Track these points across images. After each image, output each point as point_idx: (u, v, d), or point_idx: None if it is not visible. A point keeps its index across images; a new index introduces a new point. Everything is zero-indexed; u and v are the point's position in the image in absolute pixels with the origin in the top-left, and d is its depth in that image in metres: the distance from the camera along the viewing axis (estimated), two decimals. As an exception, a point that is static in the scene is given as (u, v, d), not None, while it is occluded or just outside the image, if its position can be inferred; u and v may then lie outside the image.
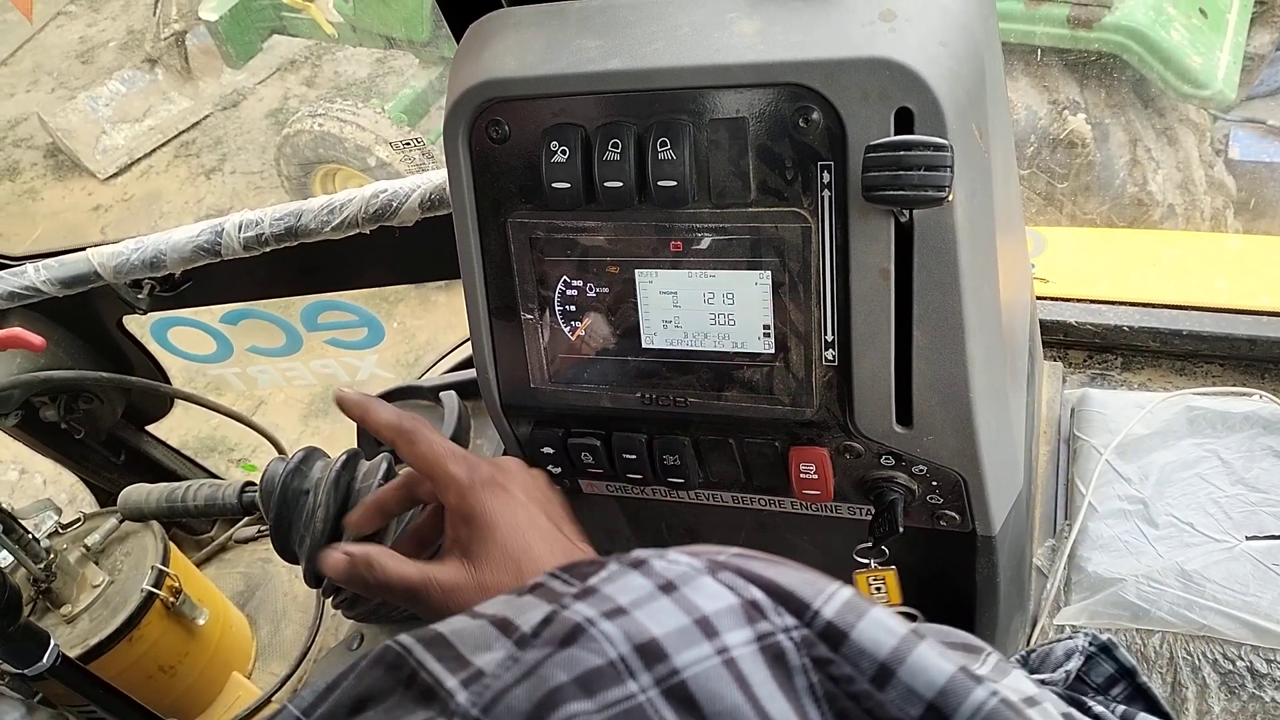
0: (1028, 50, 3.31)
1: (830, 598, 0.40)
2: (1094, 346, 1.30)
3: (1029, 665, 0.70)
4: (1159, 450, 1.12)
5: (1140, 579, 1.03)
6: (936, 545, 0.92)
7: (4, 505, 1.49)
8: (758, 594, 0.39)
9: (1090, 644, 0.67)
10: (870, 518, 0.88)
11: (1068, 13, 3.19)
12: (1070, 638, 0.69)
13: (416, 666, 0.39)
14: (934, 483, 0.86)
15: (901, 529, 0.85)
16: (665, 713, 0.35)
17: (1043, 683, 0.72)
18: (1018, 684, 0.49)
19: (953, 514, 0.88)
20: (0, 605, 1.04)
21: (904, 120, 0.70)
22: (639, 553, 0.42)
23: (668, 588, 0.39)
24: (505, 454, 1.38)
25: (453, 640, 0.40)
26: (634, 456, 0.91)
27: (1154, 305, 1.26)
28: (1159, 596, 1.07)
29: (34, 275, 1.25)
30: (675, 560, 0.41)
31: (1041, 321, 1.27)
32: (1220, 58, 3.24)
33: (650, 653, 0.37)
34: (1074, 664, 0.67)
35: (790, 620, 0.39)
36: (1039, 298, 1.29)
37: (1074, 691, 0.65)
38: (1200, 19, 3.30)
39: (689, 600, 0.39)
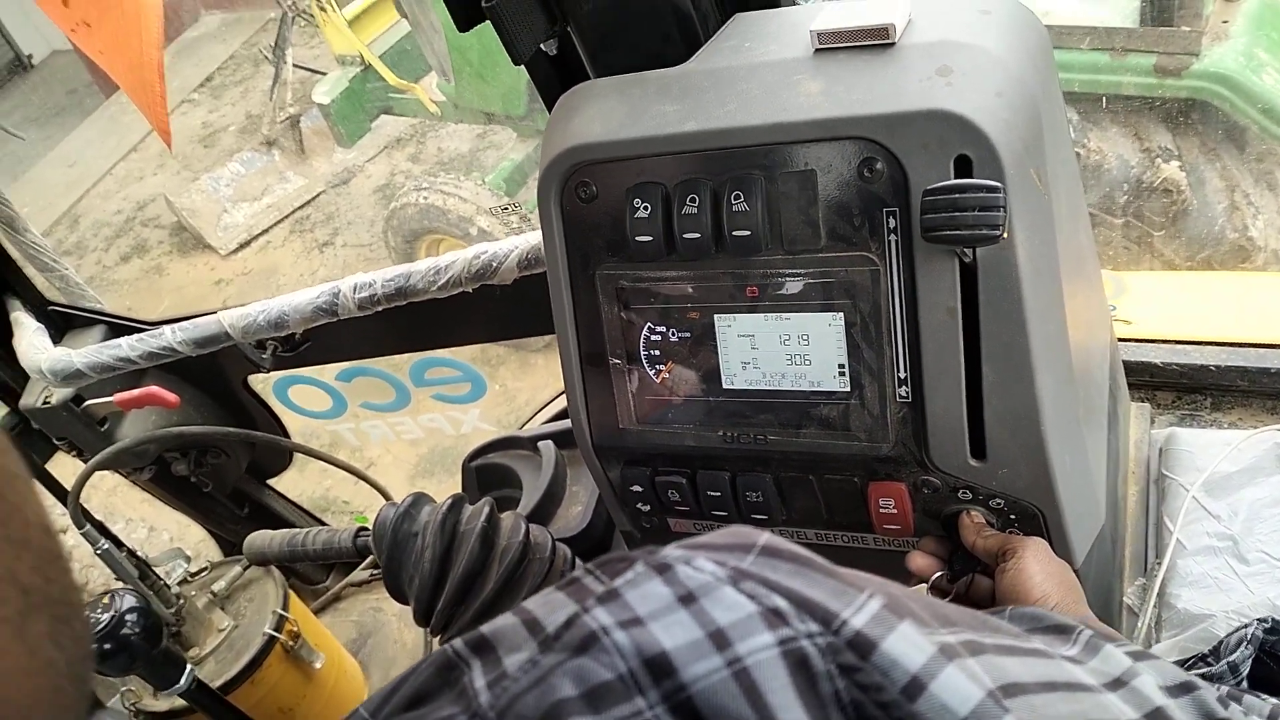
0: (1115, 99, 3.29)
1: (860, 609, 0.39)
2: (1182, 387, 1.30)
3: (1205, 661, 0.68)
4: (1248, 487, 1.11)
5: (1231, 615, 1.02)
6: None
7: (139, 554, 1.61)
8: (780, 602, 0.39)
9: (1260, 629, 0.65)
10: (950, 551, 0.91)
11: (1154, 61, 3.17)
12: (1244, 626, 0.68)
13: (463, 667, 0.40)
14: (1012, 516, 0.88)
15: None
16: None
17: (1209, 678, 0.72)
18: (1106, 664, 0.49)
19: (1032, 547, 0.90)
20: (145, 629, 1.14)
21: (963, 166, 0.75)
22: (667, 553, 0.42)
23: (687, 599, 0.39)
24: (599, 495, 1.43)
25: (492, 640, 0.41)
26: (718, 494, 0.96)
27: (1241, 344, 1.25)
28: (1252, 633, 1.05)
29: (170, 336, 1.37)
30: (700, 568, 0.40)
31: (1126, 363, 1.28)
32: (1317, 101, 3.17)
33: (659, 667, 0.37)
34: (1239, 654, 0.65)
35: (815, 626, 0.38)
36: (1122, 339, 1.30)
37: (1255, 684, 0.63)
38: (1295, 62, 3.24)
39: (706, 613, 0.38)
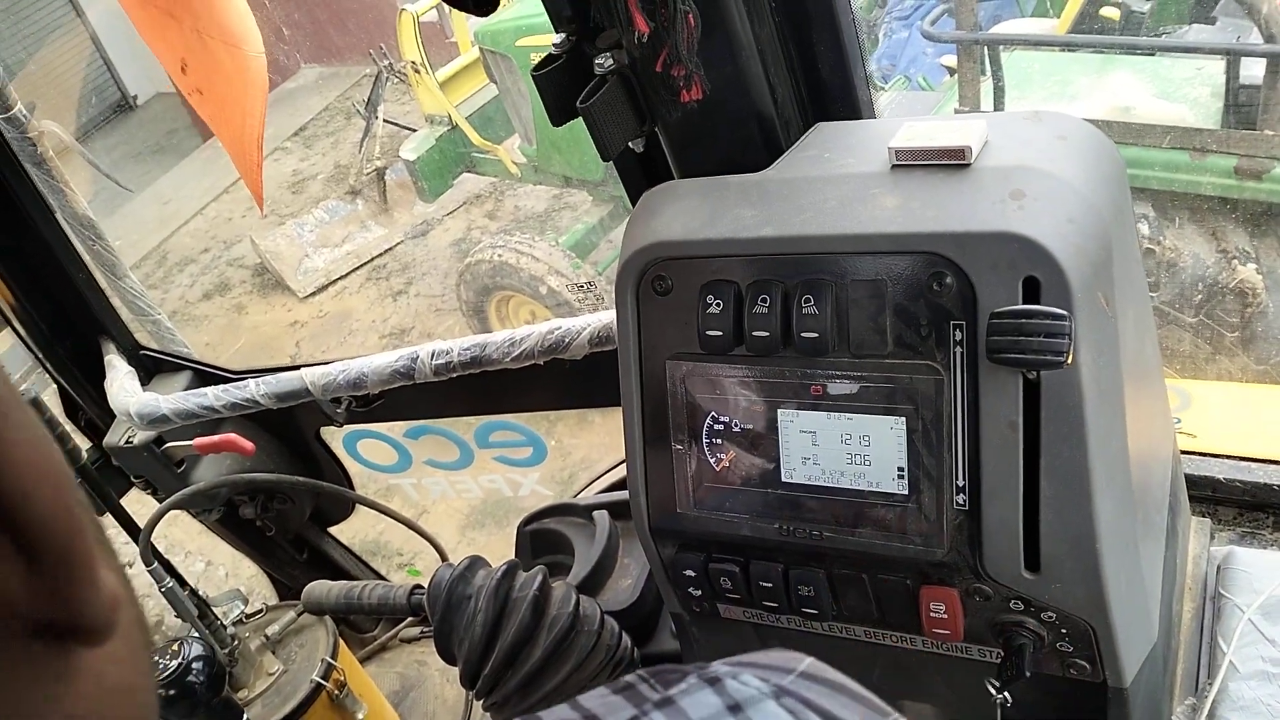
0: (1193, 198, 3.27)
1: None
2: (1244, 504, 1.28)
3: None
4: (1307, 615, 1.09)
5: (1285, 747, 1.00)
6: (1068, 694, 0.93)
7: (200, 593, 1.66)
8: (815, 719, 0.44)
9: None
10: (999, 660, 0.91)
11: (1235, 163, 3.15)
12: None
13: None
14: (1063, 630, 0.88)
15: (1029, 674, 0.87)
16: None
17: None
18: None
19: (1083, 663, 0.90)
20: (209, 678, 1.18)
21: (1031, 288, 0.76)
22: (716, 668, 0.47)
23: (735, 709, 0.44)
24: (650, 570, 1.44)
25: None
26: (770, 585, 0.97)
27: (1308, 466, 1.24)
28: (1306, 768, 1.02)
29: (254, 389, 1.43)
30: (746, 682, 0.45)
31: (1189, 477, 1.26)
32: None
33: None
34: None
35: None
36: (1185, 452, 1.29)
37: None
38: (1381, 170, 3.18)
39: None
